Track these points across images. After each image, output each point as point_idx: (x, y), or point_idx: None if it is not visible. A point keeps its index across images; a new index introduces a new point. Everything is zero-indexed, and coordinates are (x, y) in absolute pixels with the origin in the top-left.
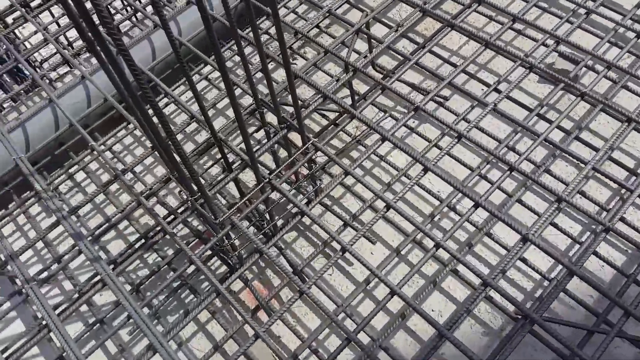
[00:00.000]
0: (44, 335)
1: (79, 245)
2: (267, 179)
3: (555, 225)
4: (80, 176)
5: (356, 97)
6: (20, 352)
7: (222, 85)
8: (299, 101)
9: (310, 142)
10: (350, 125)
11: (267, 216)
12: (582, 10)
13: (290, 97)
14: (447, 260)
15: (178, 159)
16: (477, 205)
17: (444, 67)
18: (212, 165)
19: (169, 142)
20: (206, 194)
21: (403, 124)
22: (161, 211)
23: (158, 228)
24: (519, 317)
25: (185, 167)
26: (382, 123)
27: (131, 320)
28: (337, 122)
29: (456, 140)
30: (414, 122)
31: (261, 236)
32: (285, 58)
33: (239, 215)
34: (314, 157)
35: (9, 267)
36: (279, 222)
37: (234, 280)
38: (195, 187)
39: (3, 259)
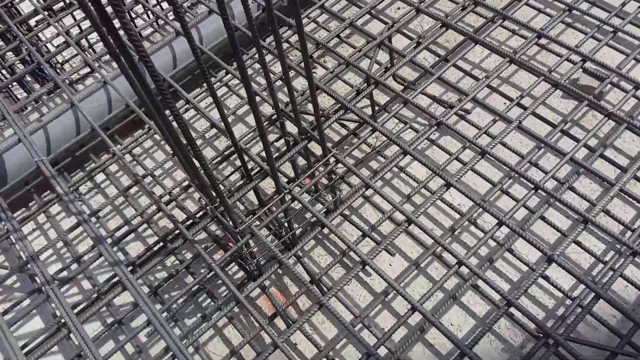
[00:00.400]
0: (64, 335)
1: (100, 249)
2: (288, 189)
3: (579, 244)
4: (100, 177)
5: (376, 108)
6: (40, 351)
7: (241, 92)
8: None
9: (332, 154)
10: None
11: (286, 225)
12: (608, 27)
13: (309, 105)
14: (467, 275)
15: (198, 165)
16: (500, 224)
17: (465, 80)
18: (231, 173)
19: (190, 150)
20: (227, 203)
21: (429, 140)
22: (179, 214)
23: (177, 232)
24: (540, 335)
25: (206, 176)
26: (402, 134)
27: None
28: (356, 132)
29: (479, 156)
30: (434, 134)
31: (279, 244)
32: (308, 70)
33: (258, 224)
34: (334, 168)
35: (28, 266)
36: (298, 231)
37: (253, 289)
38: (215, 195)
39: (24, 258)
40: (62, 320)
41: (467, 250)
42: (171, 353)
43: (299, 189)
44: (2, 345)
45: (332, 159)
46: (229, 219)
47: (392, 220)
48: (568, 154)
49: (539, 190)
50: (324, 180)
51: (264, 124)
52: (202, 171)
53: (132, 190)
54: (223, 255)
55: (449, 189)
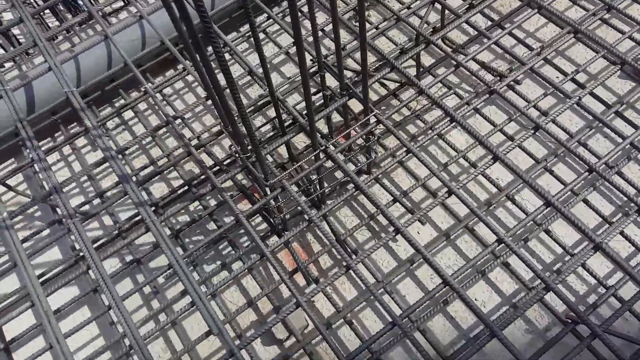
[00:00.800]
0: (83, 270)
1: (125, 188)
2: (324, 146)
3: (621, 232)
4: (127, 115)
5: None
6: (58, 284)
7: (279, 39)
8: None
9: (373, 113)
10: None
11: (317, 182)
12: None
13: (348, 60)
14: (498, 252)
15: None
16: (548, 204)
17: (517, 48)
18: (264, 124)
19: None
20: (260, 154)
21: (473, 108)
22: (206, 160)
23: (202, 177)
24: (569, 321)
25: (243, 124)
26: (445, 100)
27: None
28: (396, 92)
29: (532, 131)
30: (479, 103)
31: (307, 201)
32: (362, 18)
33: (288, 178)
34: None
35: (52, 197)
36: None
37: (279, 245)
38: (247, 144)
39: (47, 188)
40: (81, 254)
41: (499, 226)
42: (190, 300)
43: (334, 147)
44: (21, 274)
45: (372, 119)
46: (260, 171)
47: (425, 187)
48: (628, 138)
49: (586, 173)
50: (360, 141)
51: None
52: (237, 118)
53: (160, 131)
54: (249, 206)
55: (495, 162)
